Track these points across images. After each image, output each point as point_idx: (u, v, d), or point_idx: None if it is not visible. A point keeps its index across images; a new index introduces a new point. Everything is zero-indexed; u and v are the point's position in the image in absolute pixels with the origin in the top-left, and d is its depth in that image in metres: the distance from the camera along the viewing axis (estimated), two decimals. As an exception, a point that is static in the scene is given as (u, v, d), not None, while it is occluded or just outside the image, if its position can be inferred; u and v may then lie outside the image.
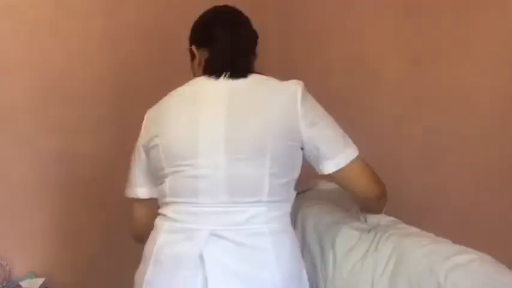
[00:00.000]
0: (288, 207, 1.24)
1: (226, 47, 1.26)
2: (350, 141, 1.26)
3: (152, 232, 1.23)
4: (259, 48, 1.36)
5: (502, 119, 1.54)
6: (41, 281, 1.77)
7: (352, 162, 1.22)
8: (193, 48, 1.33)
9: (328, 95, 2.05)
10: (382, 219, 1.39)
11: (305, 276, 1.25)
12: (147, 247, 1.22)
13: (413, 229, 1.33)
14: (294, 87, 1.21)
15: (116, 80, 1.88)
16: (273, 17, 2.23)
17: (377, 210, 1.42)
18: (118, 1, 1.84)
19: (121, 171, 1.92)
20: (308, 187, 1.60)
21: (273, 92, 1.21)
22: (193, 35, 1.34)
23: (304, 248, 1.39)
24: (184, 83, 1.29)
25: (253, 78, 1.24)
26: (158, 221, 1.23)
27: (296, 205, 1.39)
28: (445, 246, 1.20)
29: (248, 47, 1.31)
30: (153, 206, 1.29)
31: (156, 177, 1.26)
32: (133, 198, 1.35)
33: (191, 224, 1.16)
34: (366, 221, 1.41)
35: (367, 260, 1.27)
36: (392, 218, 1.39)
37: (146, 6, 1.90)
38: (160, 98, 1.32)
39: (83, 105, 1.83)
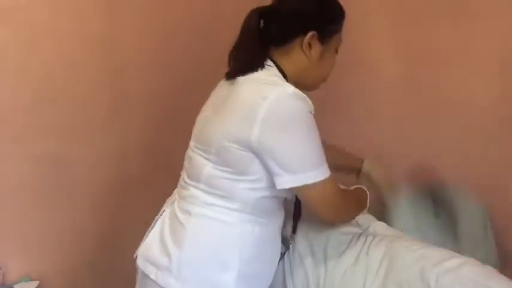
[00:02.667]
0: (236, 205, 1.17)
1: None
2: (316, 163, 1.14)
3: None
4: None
5: (500, 123, 1.54)
6: (35, 284, 1.77)
7: (314, 184, 1.12)
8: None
9: (327, 96, 2.04)
10: (373, 223, 1.37)
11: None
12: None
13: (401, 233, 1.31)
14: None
15: (113, 82, 1.87)
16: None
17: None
18: (115, 4, 1.84)
19: (117, 174, 1.93)
20: None
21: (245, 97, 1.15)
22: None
23: (295, 261, 1.34)
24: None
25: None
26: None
27: None
28: (436, 251, 1.19)
29: None
30: None
31: None
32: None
33: None
34: (357, 222, 1.38)
35: (358, 265, 1.25)
36: (381, 223, 1.38)
37: (143, 8, 1.89)
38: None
39: (80, 108, 1.83)
